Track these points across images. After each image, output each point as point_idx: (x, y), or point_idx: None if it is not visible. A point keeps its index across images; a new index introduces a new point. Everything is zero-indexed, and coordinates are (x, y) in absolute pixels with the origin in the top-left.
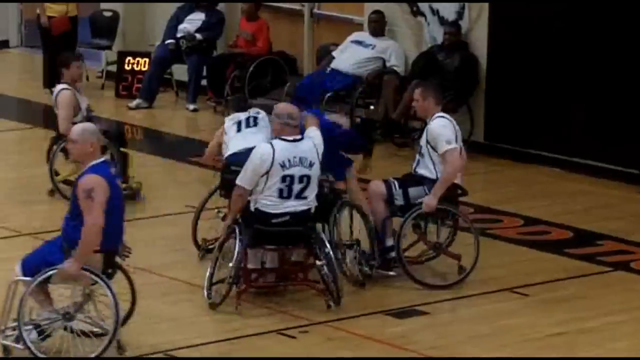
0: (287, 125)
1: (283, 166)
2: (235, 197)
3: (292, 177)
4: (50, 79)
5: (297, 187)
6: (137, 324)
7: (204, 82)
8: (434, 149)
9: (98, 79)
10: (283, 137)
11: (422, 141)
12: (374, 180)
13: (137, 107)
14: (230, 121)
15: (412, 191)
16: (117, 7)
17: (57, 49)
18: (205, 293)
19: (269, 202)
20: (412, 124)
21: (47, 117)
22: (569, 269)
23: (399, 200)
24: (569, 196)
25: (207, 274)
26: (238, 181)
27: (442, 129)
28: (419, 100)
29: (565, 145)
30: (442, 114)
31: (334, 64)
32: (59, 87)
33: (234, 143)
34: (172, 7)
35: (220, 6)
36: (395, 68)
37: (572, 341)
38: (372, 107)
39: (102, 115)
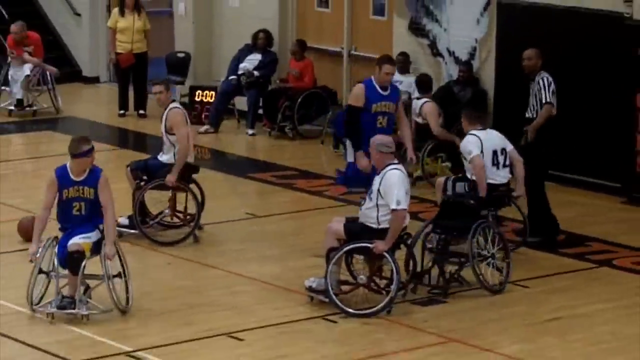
0: (391, 153)
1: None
2: (402, 220)
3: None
4: (122, 105)
5: None
6: (175, 314)
7: (260, 111)
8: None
9: None
10: (392, 162)
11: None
12: None
13: (206, 132)
14: None
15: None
16: (189, 49)
17: (126, 80)
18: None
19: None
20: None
21: (131, 140)
22: (563, 265)
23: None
24: (562, 205)
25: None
26: (400, 205)
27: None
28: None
29: (559, 162)
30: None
31: None
32: (424, 100)
33: None
34: (235, 49)
35: (274, 48)
36: None
37: (565, 325)
38: (399, 131)
39: None
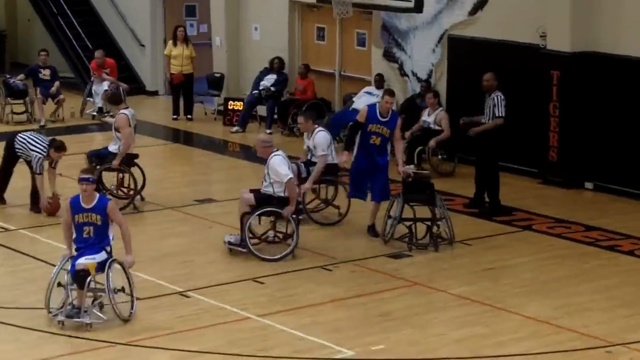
0: (270, 146)
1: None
2: (295, 187)
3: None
4: (175, 112)
5: None
6: (215, 264)
7: (275, 116)
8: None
9: (212, 115)
10: (274, 151)
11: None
12: None
13: (236, 132)
14: None
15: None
16: (224, 70)
17: (177, 93)
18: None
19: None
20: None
21: (181, 138)
22: (496, 229)
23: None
24: None
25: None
26: (289, 177)
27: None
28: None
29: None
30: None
31: (354, 105)
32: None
33: None
34: (257, 71)
35: (285, 70)
36: None
37: (499, 273)
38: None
39: (215, 136)
